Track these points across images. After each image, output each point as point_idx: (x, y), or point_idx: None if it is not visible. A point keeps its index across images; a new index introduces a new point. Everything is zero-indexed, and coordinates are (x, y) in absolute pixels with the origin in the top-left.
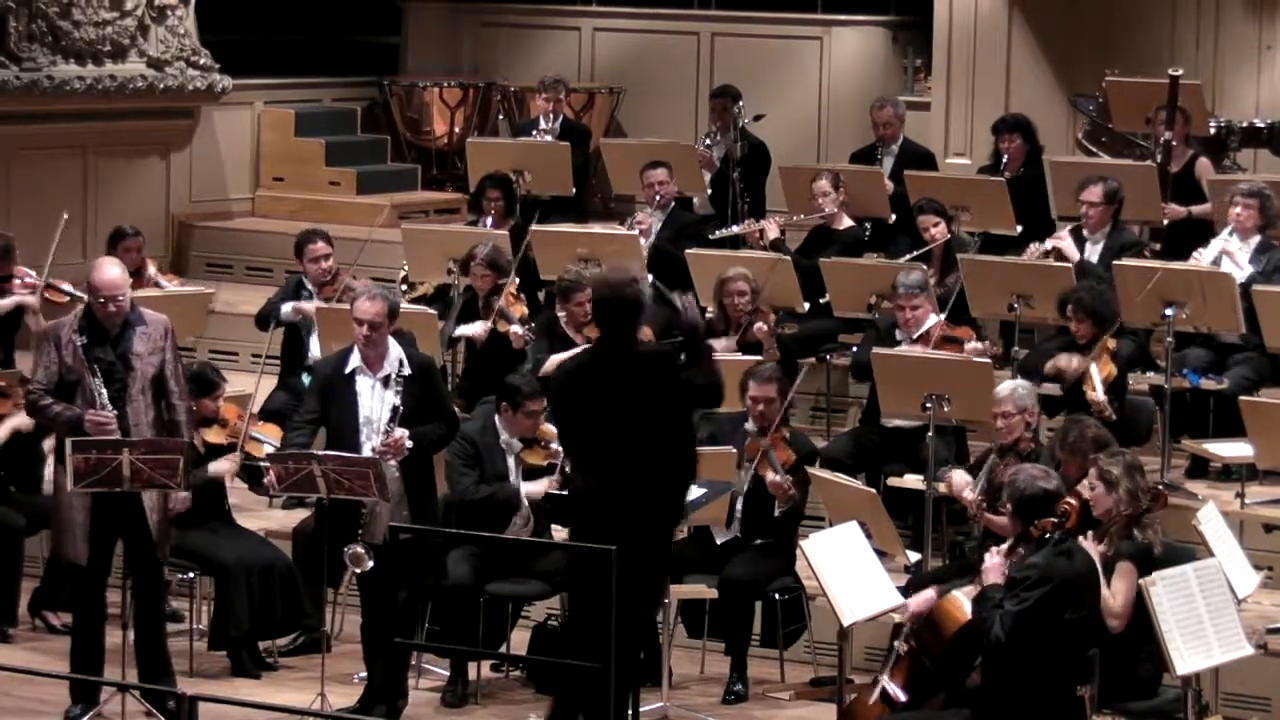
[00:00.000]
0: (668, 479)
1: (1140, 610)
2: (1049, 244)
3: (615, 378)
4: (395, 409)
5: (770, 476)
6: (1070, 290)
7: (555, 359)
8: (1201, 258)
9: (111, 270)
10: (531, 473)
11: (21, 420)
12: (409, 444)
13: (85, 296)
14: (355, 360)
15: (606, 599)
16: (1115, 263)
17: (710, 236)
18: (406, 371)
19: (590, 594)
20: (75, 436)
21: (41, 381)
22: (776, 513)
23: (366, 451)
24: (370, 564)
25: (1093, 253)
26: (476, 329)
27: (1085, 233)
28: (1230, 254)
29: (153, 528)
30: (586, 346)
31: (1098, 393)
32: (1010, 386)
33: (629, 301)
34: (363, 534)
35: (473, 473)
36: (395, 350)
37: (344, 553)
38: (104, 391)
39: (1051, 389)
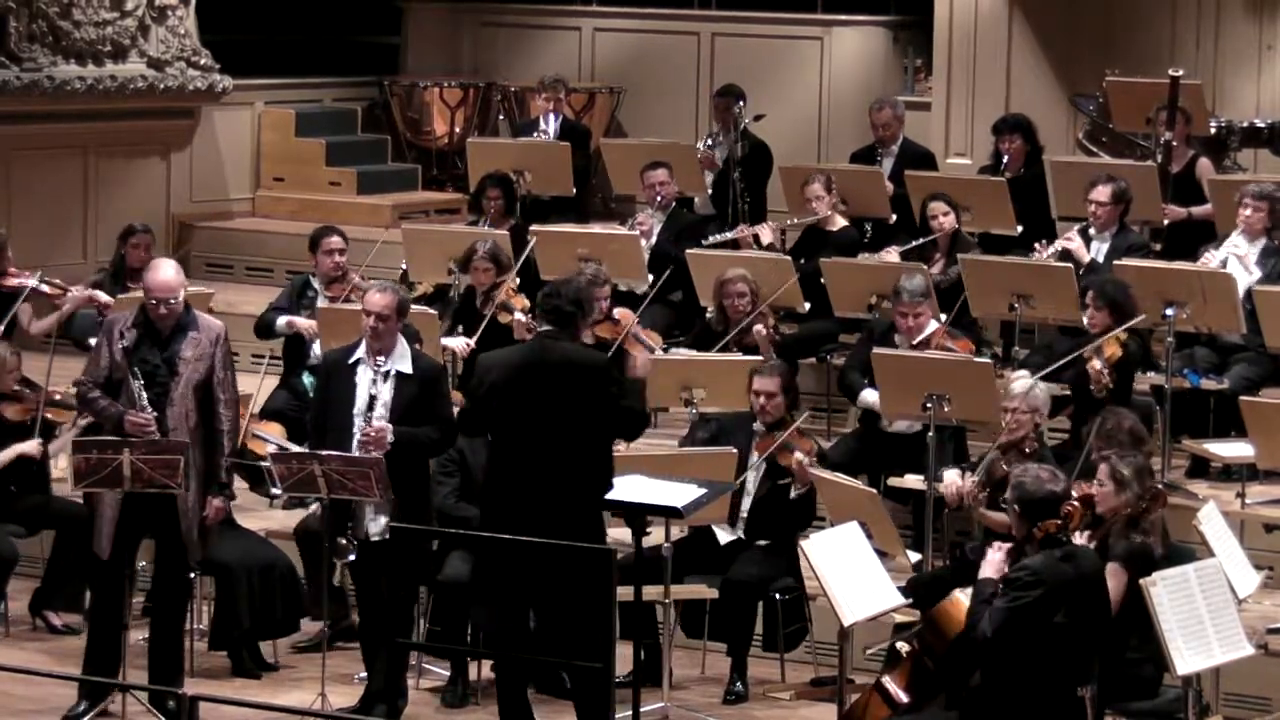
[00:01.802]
0: (577, 487)
1: (1141, 611)
2: (1059, 244)
3: (551, 375)
4: (372, 398)
5: (796, 456)
6: (1093, 279)
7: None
8: (1211, 259)
9: (166, 272)
10: None
11: (28, 447)
12: (391, 438)
13: (73, 290)
14: (360, 351)
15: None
16: (1117, 262)
17: (704, 242)
18: (400, 368)
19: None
20: (118, 432)
21: (91, 376)
22: (793, 494)
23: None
24: (352, 556)
25: (1098, 252)
26: (459, 344)
27: (1092, 232)
28: (1240, 258)
29: (184, 532)
30: (526, 340)
31: (1099, 365)
32: (1026, 384)
33: (582, 301)
34: (353, 528)
35: (451, 480)
36: (402, 348)
37: (329, 545)
38: (144, 394)
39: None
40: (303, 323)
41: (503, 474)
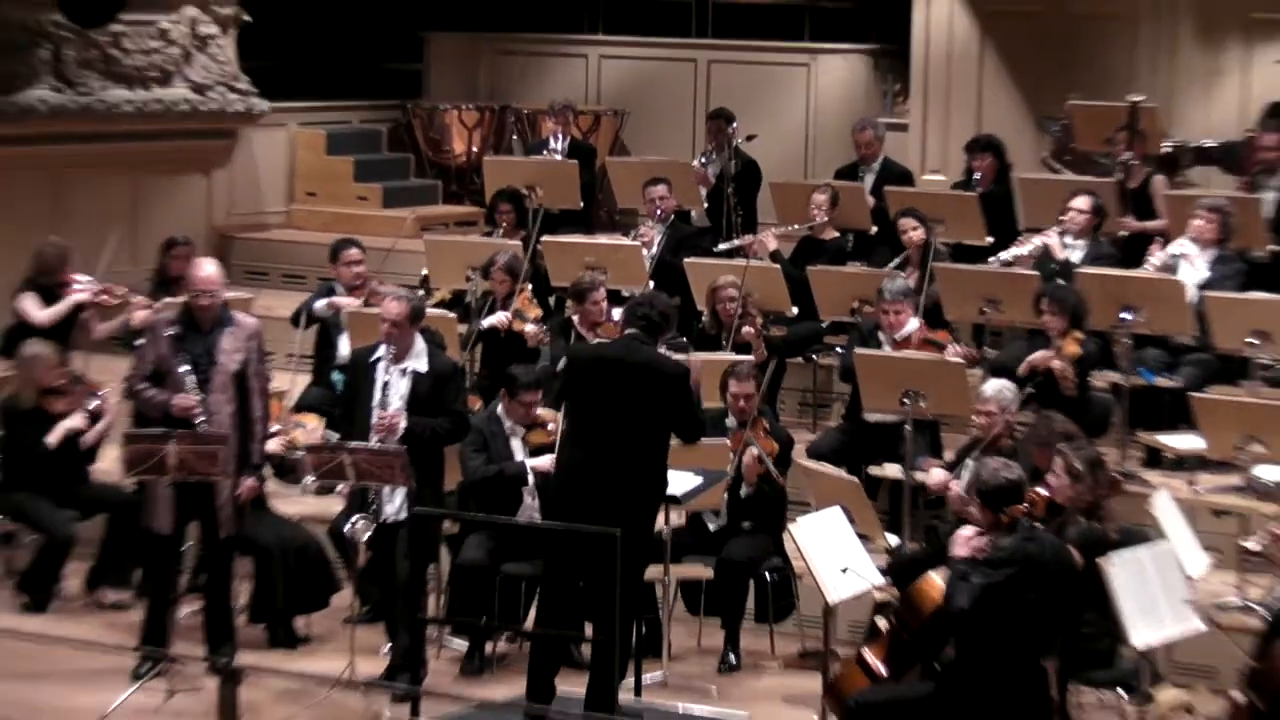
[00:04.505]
0: (629, 483)
1: (1099, 588)
2: (1038, 240)
3: (631, 373)
4: (385, 385)
5: (746, 458)
6: (1046, 286)
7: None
8: (1156, 260)
9: (208, 268)
10: (538, 451)
11: (75, 422)
12: (402, 423)
13: (135, 297)
14: (381, 351)
15: (578, 571)
16: (1078, 270)
17: (715, 250)
18: (416, 366)
19: (560, 562)
20: (166, 420)
21: (140, 370)
22: (742, 494)
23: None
24: (369, 535)
25: (1070, 253)
26: (500, 317)
27: (1068, 238)
28: (1188, 256)
29: (219, 508)
30: (621, 337)
31: (1060, 365)
32: (996, 386)
33: (669, 316)
34: (374, 508)
35: (480, 455)
36: (419, 348)
37: (349, 524)
38: (191, 379)
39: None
40: (342, 300)
41: (571, 454)
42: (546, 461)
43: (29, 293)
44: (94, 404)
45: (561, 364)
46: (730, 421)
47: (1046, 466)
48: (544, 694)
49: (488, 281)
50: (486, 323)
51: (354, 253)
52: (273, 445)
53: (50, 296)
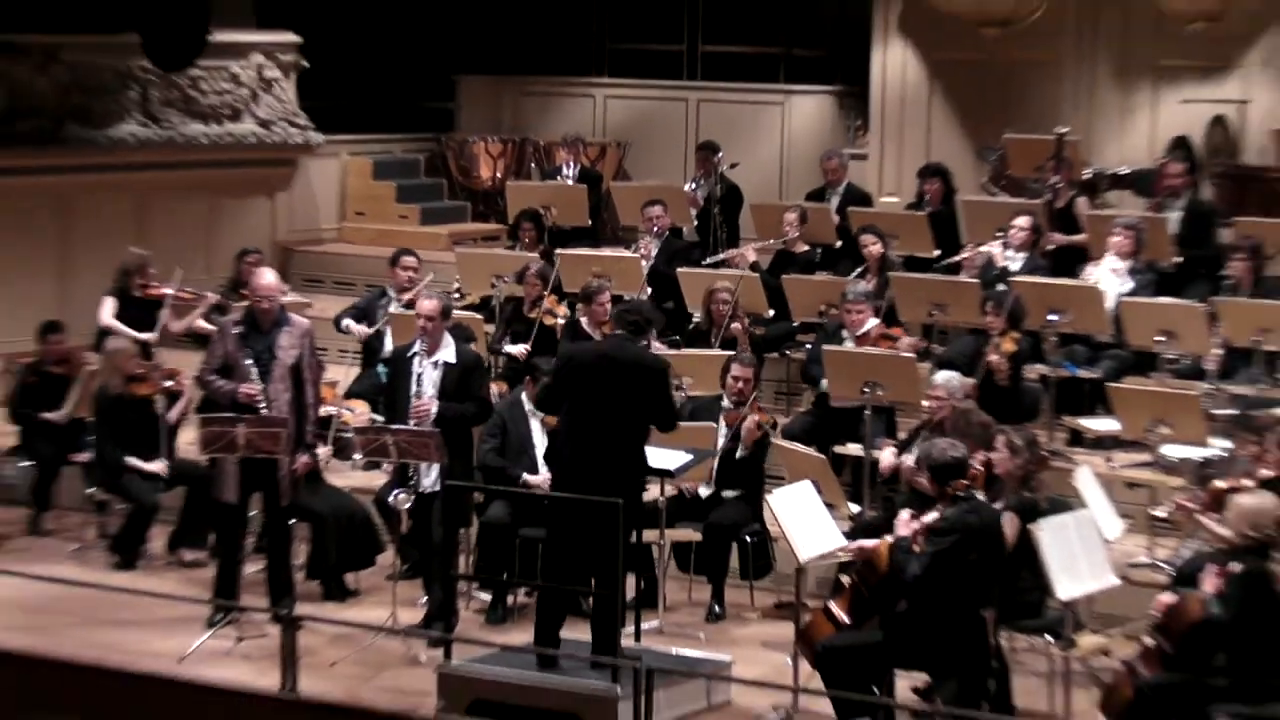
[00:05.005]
0: (621, 460)
1: (1029, 549)
2: (984, 248)
3: (620, 369)
4: (419, 378)
5: (747, 424)
6: (990, 291)
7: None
8: (1090, 276)
9: (268, 277)
10: (555, 432)
11: (155, 467)
12: (434, 409)
13: (204, 294)
14: (417, 346)
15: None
16: (1012, 279)
17: (703, 262)
18: (446, 358)
19: (567, 527)
20: (233, 406)
21: (210, 365)
22: (737, 455)
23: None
24: (409, 504)
25: (1011, 262)
26: (519, 350)
27: (1009, 250)
28: (1116, 272)
29: (279, 481)
30: (608, 336)
31: (999, 358)
32: (946, 376)
33: (653, 320)
34: (413, 482)
35: (493, 440)
36: (448, 342)
37: (392, 495)
38: (255, 371)
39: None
40: (356, 329)
41: (571, 438)
42: (542, 479)
43: (109, 298)
44: (171, 386)
45: (553, 366)
46: (726, 403)
47: (970, 451)
48: (550, 640)
49: (521, 285)
50: (508, 349)
51: (411, 260)
52: (320, 452)
53: (130, 300)
